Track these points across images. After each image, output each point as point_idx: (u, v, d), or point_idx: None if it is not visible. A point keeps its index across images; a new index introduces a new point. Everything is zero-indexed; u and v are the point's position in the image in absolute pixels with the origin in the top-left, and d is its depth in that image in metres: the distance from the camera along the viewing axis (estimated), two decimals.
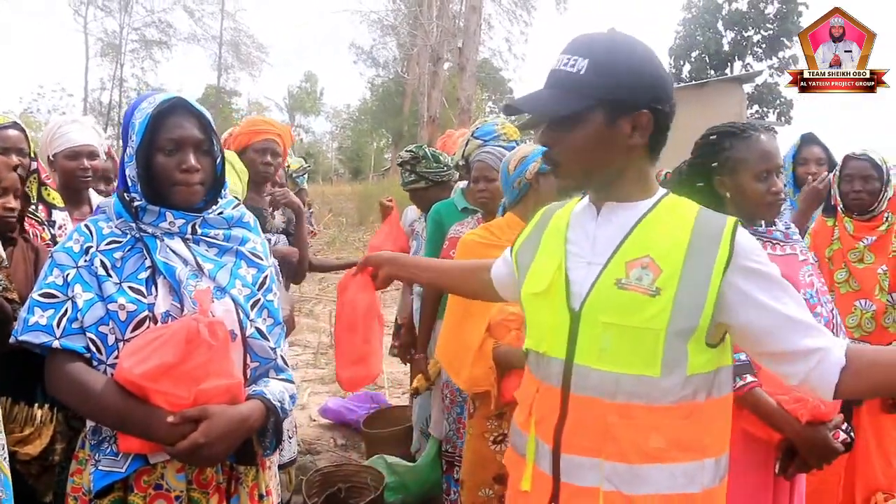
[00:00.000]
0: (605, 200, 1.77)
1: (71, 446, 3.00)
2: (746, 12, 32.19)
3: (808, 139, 4.49)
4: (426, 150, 4.78)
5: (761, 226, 2.58)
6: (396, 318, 5.30)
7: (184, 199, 2.08)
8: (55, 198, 3.35)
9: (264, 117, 3.81)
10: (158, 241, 2.08)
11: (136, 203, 2.08)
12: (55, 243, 3.30)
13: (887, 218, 3.63)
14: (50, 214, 3.38)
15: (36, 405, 2.91)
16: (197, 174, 2.07)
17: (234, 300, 2.09)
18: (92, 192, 3.83)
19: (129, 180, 2.11)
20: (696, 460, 1.67)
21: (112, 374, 1.97)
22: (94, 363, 1.99)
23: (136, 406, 1.92)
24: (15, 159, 3.31)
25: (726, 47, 32.69)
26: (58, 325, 1.98)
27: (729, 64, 32.51)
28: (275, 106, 52.46)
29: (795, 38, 31.26)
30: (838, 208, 3.78)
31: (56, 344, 1.97)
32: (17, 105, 45.30)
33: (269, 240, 3.78)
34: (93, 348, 1.99)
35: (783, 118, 33.44)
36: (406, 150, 4.86)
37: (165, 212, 2.08)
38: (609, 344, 1.66)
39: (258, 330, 2.13)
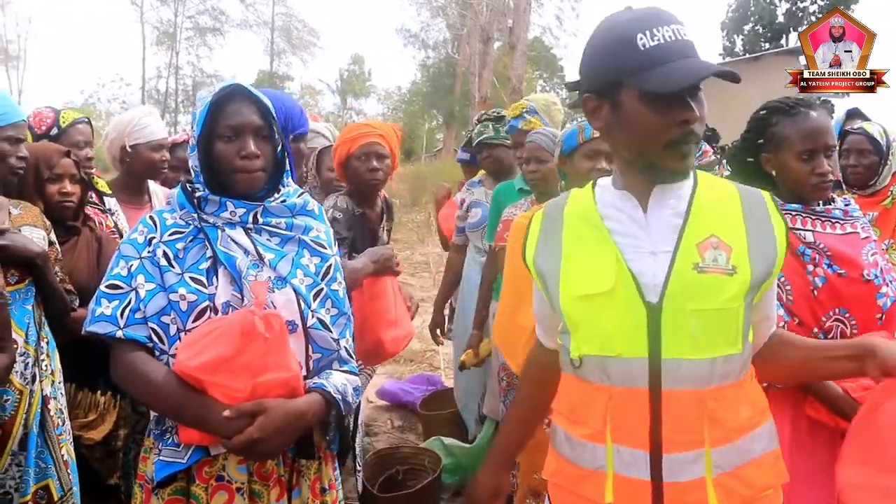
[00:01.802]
0: (655, 183, 1.69)
1: (136, 430, 3.09)
2: None
3: (852, 114, 4.36)
4: None
5: (819, 205, 2.50)
6: (451, 301, 5.30)
7: (244, 186, 2.08)
8: (102, 185, 3.45)
9: (366, 120, 3.68)
10: (219, 232, 2.08)
11: (198, 193, 2.10)
12: (118, 229, 3.39)
13: (892, 192, 3.51)
14: (102, 201, 3.47)
15: (98, 392, 3.00)
16: (257, 160, 2.07)
17: (295, 290, 2.08)
18: (151, 182, 3.91)
19: (192, 170, 2.13)
20: (769, 418, 1.73)
21: (172, 365, 1.99)
22: (157, 353, 2.01)
23: (192, 398, 1.93)
24: (90, 152, 3.42)
25: (781, 18, 31.84)
26: (121, 316, 2.01)
27: (784, 35, 31.72)
28: (327, 89, 52.78)
29: (854, 6, 30.43)
30: (842, 185, 3.66)
31: (119, 334, 1.99)
32: (79, 96, 46.31)
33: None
34: (155, 338, 2.01)
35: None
36: (494, 110, 4.78)
37: (226, 201, 2.08)
38: (698, 331, 1.60)
39: (320, 321, 2.11)
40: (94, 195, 3.42)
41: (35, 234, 2.67)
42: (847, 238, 2.44)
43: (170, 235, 2.09)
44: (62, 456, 2.66)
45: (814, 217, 2.45)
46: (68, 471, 2.69)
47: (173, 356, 2.00)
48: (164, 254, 2.05)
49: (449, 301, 5.22)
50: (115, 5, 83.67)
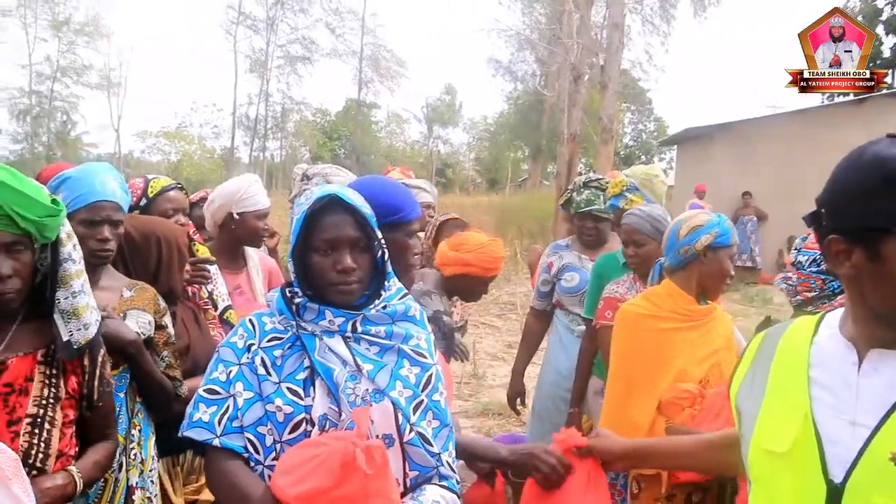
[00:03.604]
0: (870, 344, 1.45)
1: None
2: None
3: None
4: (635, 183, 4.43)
5: None
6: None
7: (341, 300, 2.03)
8: (204, 252, 3.41)
9: (494, 242, 3.61)
10: (317, 341, 2.03)
11: (296, 300, 2.05)
12: (212, 300, 3.37)
13: None
14: None
15: None
16: (353, 273, 2.01)
17: (393, 403, 2.02)
18: (246, 248, 3.93)
19: (291, 275, 2.09)
20: None
21: (269, 478, 1.94)
22: (252, 463, 1.98)
23: None
24: (182, 219, 3.42)
25: (887, 54, 30.76)
26: (219, 423, 1.99)
27: (891, 72, 30.59)
28: (413, 118, 53.30)
29: None
30: None
31: (216, 442, 1.98)
32: (173, 119, 47.83)
33: None
34: (250, 448, 1.98)
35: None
36: (600, 179, 4.64)
37: (325, 310, 2.03)
38: None
39: (420, 434, 2.04)
40: None
41: (141, 319, 2.65)
42: None
43: (268, 341, 2.06)
44: None
45: None
46: None
47: (268, 467, 1.96)
48: (262, 361, 2.03)
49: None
50: (210, 35, 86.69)
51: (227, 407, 1.99)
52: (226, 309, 3.42)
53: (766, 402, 1.55)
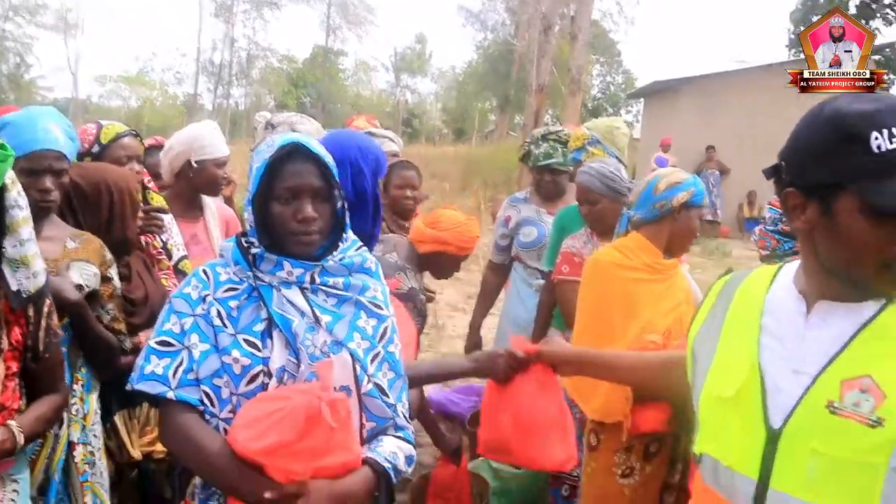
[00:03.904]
0: (819, 296, 1.48)
1: None
2: None
3: None
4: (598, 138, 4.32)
5: None
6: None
7: (300, 249, 1.99)
8: (159, 201, 3.35)
9: (470, 221, 3.54)
10: (275, 292, 1.99)
11: (253, 250, 2.01)
12: (166, 249, 3.32)
13: None
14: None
15: None
16: (314, 223, 1.97)
17: (351, 354, 2.00)
18: (203, 196, 3.88)
19: (248, 225, 2.05)
20: None
21: (225, 431, 1.91)
22: (207, 416, 1.95)
23: (247, 475, 1.85)
24: (136, 166, 3.35)
25: (853, 10, 30.83)
26: (173, 376, 1.94)
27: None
28: (381, 66, 52.71)
29: None
30: None
31: (171, 395, 1.93)
32: (134, 64, 46.78)
33: None
34: (206, 401, 1.94)
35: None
36: (561, 131, 4.60)
37: (283, 261, 1.99)
38: (816, 473, 1.38)
39: (377, 386, 2.04)
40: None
41: (85, 271, 2.60)
42: None
43: (223, 292, 2.01)
44: None
45: None
46: None
47: (224, 420, 1.94)
48: (218, 312, 1.98)
49: None
50: None
51: (182, 359, 1.95)
52: (181, 259, 3.38)
53: (720, 347, 1.60)
